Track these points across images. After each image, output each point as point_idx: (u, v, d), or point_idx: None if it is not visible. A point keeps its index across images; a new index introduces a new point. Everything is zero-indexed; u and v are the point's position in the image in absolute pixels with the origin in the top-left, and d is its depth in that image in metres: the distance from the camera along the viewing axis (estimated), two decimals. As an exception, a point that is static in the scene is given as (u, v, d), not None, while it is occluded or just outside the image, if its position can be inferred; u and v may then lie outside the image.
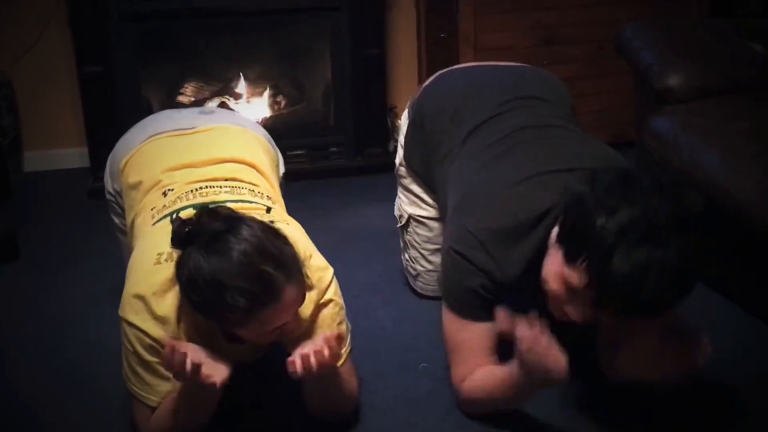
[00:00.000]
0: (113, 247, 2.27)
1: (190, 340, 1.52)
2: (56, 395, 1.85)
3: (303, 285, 1.50)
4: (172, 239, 1.48)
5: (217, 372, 1.43)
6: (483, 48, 3.14)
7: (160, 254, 1.55)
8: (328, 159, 3.25)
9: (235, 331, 1.50)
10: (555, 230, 1.52)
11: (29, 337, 2.11)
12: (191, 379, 1.42)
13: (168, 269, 1.51)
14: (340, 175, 3.19)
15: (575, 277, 1.44)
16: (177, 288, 1.50)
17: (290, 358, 1.46)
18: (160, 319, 1.51)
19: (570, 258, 1.45)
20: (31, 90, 3.21)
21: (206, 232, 1.43)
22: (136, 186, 1.79)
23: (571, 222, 1.46)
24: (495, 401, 1.63)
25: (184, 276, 1.45)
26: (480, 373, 1.64)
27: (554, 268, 1.50)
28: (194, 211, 1.54)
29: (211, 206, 1.52)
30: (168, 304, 1.52)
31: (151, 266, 1.55)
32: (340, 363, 1.63)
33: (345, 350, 1.65)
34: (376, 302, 2.21)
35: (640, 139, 2.43)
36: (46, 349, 2.04)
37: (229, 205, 1.64)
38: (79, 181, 3.09)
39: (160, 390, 1.55)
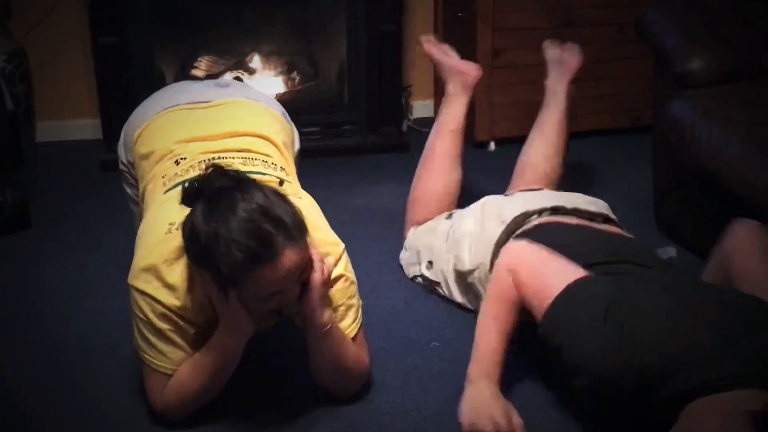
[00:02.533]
0: (124, 219, 2.26)
1: (201, 308, 1.52)
2: (66, 365, 1.85)
3: (305, 252, 1.48)
4: (182, 196, 1.48)
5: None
6: (501, 28, 3.11)
7: (171, 224, 1.55)
8: (342, 137, 3.23)
9: (234, 293, 1.48)
10: (741, 398, 1.35)
11: (39, 306, 2.11)
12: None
13: (179, 237, 1.50)
14: (353, 153, 3.17)
15: None
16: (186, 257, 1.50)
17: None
18: (170, 287, 1.51)
19: None
20: (45, 60, 3.20)
21: (213, 187, 1.44)
22: (147, 156, 1.78)
23: None
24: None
25: (187, 228, 1.45)
26: None
27: None
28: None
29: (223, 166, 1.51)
30: (178, 271, 1.51)
31: (163, 236, 1.54)
32: (350, 336, 1.63)
33: (356, 324, 1.64)
34: (388, 281, 2.20)
35: (658, 124, 2.40)
36: (56, 319, 2.04)
37: None
38: (92, 153, 3.08)
39: (173, 358, 1.55)
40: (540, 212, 1.93)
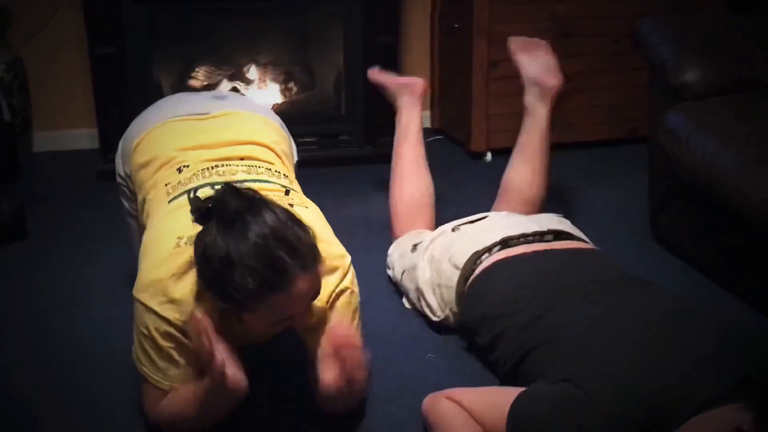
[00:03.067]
0: (122, 229, 2.26)
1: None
2: (62, 375, 1.85)
3: (318, 279, 1.47)
4: (192, 212, 1.46)
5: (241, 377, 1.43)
6: (497, 39, 3.11)
7: (180, 238, 1.53)
8: (338, 147, 3.24)
9: (243, 316, 1.48)
10: (726, 416, 1.32)
11: (36, 315, 2.10)
12: (216, 372, 1.41)
13: (188, 252, 1.49)
14: (350, 163, 3.17)
15: None
16: (194, 270, 1.48)
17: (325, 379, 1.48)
18: (176, 302, 1.50)
19: None
20: (42, 70, 3.20)
21: (228, 209, 1.42)
22: (147, 164, 1.78)
23: None
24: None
25: (199, 250, 1.44)
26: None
27: None
28: (212, 191, 1.53)
29: (235, 184, 1.49)
30: (185, 284, 1.50)
31: (170, 250, 1.52)
32: None
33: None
34: (385, 291, 2.21)
35: (654, 135, 2.41)
36: (52, 329, 2.04)
37: (246, 184, 1.62)
38: (89, 162, 3.08)
39: (171, 375, 1.55)
40: (489, 249, 1.90)
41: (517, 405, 1.49)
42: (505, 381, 1.71)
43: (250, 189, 1.49)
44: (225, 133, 1.82)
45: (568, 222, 2.07)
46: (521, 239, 1.92)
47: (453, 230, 2.07)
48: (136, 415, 1.67)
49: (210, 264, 1.42)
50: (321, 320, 1.57)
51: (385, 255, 2.35)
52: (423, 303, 2.01)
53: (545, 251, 1.87)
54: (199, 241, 1.44)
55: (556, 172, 3.15)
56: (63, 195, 2.89)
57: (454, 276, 1.91)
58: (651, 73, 2.45)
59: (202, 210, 1.45)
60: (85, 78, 3.10)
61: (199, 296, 1.50)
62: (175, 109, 1.90)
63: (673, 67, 2.31)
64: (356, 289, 1.63)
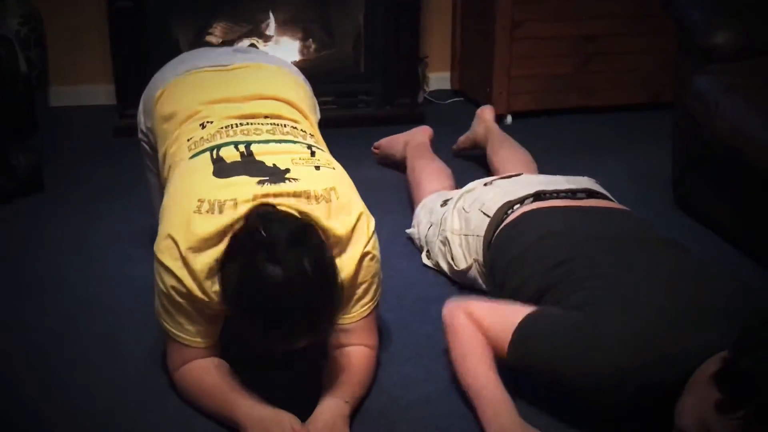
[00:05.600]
0: (137, 185, 2.25)
1: (219, 301, 1.49)
2: (77, 330, 1.85)
3: (329, 333, 1.48)
4: (233, 237, 1.44)
5: None
6: (521, 0, 3.05)
7: (201, 201, 1.50)
8: (357, 107, 3.20)
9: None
10: (709, 365, 1.32)
11: (51, 270, 2.10)
12: None
13: (207, 224, 1.46)
14: (368, 124, 3.14)
15: (724, 428, 1.24)
16: (212, 250, 1.46)
17: None
18: (192, 273, 1.47)
19: (726, 408, 1.24)
20: (60, 23, 3.17)
21: (265, 243, 1.38)
22: (170, 117, 1.74)
23: (747, 368, 1.24)
24: None
25: (226, 267, 1.42)
26: None
27: (699, 409, 1.30)
28: (237, 154, 1.55)
29: (280, 214, 1.45)
30: (202, 262, 1.47)
31: (191, 213, 1.49)
32: (365, 314, 1.60)
33: (373, 302, 1.62)
34: (400, 252, 2.19)
35: (680, 99, 2.35)
36: (67, 284, 2.04)
37: (271, 146, 1.60)
38: (105, 118, 3.06)
39: (190, 330, 1.54)
40: (522, 200, 1.89)
41: (524, 321, 1.53)
42: None
43: (293, 217, 1.45)
44: (249, 85, 1.78)
45: (600, 187, 2.04)
46: (554, 194, 1.91)
47: (485, 185, 2.06)
48: (149, 371, 1.67)
49: (228, 287, 1.41)
50: (348, 288, 1.54)
51: (401, 216, 2.33)
52: (448, 254, 2.00)
53: (577, 206, 1.86)
54: (229, 261, 1.42)
55: (577, 136, 3.12)
56: (79, 150, 2.88)
57: (483, 224, 1.90)
58: (679, 35, 2.39)
59: (239, 237, 1.43)
60: (103, 32, 3.07)
61: (211, 275, 1.48)
62: (197, 62, 1.87)
63: (703, 28, 2.25)
64: (377, 253, 1.61)
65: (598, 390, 1.43)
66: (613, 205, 1.93)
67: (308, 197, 1.51)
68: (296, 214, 1.48)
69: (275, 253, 1.36)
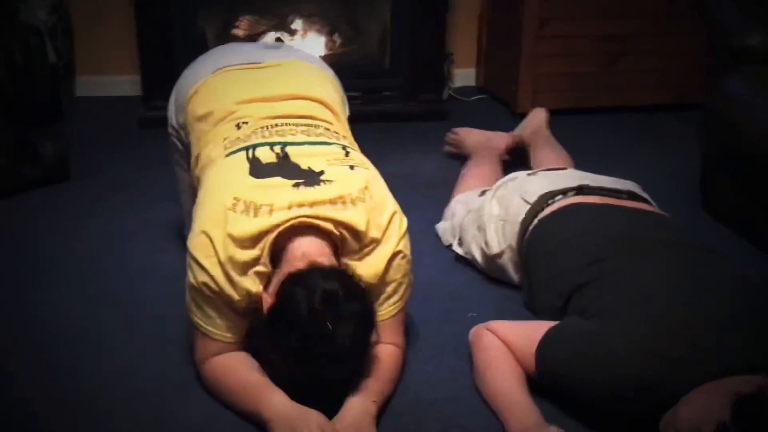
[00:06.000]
0: (162, 176, 2.26)
1: (249, 301, 1.51)
2: (101, 320, 1.86)
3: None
4: (284, 283, 1.45)
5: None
6: (550, -4, 3.04)
7: (236, 200, 1.51)
8: (381, 102, 3.19)
9: None
10: (741, 383, 1.32)
11: (75, 259, 2.11)
12: None
13: (242, 226, 1.47)
14: (392, 119, 3.13)
15: None
16: (245, 252, 1.47)
17: None
18: (225, 271, 1.48)
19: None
20: (87, 13, 3.18)
21: (311, 292, 1.41)
22: (205, 117, 1.75)
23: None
24: None
25: (280, 298, 1.44)
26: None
27: (702, 414, 1.31)
28: (273, 155, 1.57)
29: (319, 273, 1.45)
30: (235, 259, 1.48)
31: (226, 210, 1.50)
32: (393, 313, 1.61)
33: (401, 301, 1.62)
34: (425, 249, 2.17)
35: (710, 100, 2.33)
36: (91, 274, 2.05)
37: (306, 147, 1.61)
38: (131, 109, 3.07)
39: (220, 324, 1.54)
40: (564, 192, 1.89)
41: (545, 338, 1.56)
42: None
43: (334, 272, 1.46)
44: (282, 84, 1.78)
45: (644, 192, 2.03)
46: (597, 190, 1.91)
47: (529, 174, 2.06)
48: (174, 362, 1.68)
49: (278, 338, 1.43)
50: (376, 284, 1.55)
51: (428, 213, 2.33)
52: (481, 240, 1.99)
53: (618, 205, 1.85)
54: (284, 297, 1.43)
55: (602, 136, 3.10)
56: (104, 140, 2.89)
57: (522, 211, 1.90)
58: (710, 36, 2.37)
59: (289, 283, 1.44)
60: (130, 24, 3.08)
61: (244, 273, 1.49)
62: (228, 59, 1.87)
63: (735, 30, 2.22)
64: (409, 253, 1.62)
65: (623, 398, 1.44)
66: (654, 209, 1.92)
67: (344, 202, 1.52)
68: (334, 265, 1.49)
69: (325, 322, 1.39)
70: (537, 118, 2.66)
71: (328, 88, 1.85)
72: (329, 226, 1.50)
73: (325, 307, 1.38)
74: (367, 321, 1.45)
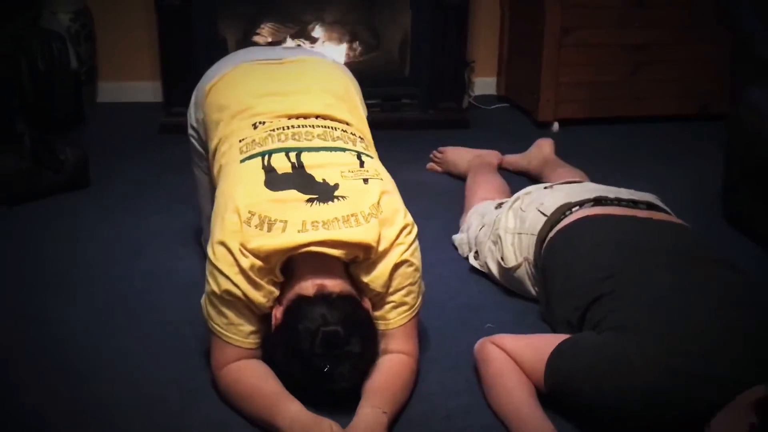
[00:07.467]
0: (182, 183, 2.27)
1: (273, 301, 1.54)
2: (119, 325, 1.86)
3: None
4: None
5: None
6: (571, 4, 3.02)
7: (251, 214, 1.51)
8: (400, 110, 3.18)
9: None
10: (754, 392, 1.33)
11: (95, 264, 2.12)
12: None
13: (257, 240, 1.48)
14: (412, 127, 3.12)
15: None
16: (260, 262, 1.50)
17: None
18: (248, 277, 1.50)
19: None
20: (110, 20, 3.21)
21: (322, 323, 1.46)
22: (221, 109, 1.75)
23: None
24: None
25: (286, 325, 1.49)
26: None
27: (733, 428, 1.32)
28: (289, 165, 1.58)
29: (334, 297, 1.49)
30: (254, 264, 1.50)
31: (240, 223, 1.51)
32: (403, 322, 1.60)
33: (411, 312, 1.61)
34: (442, 259, 2.16)
35: (734, 111, 2.30)
36: (110, 279, 2.05)
37: (322, 154, 1.61)
38: (151, 115, 3.09)
39: (243, 330, 1.55)
40: (582, 203, 1.86)
41: (558, 350, 1.52)
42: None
43: (342, 303, 1.49)
44: (300, 78, 1.79)
45: (662, 203, 2.00)
46: (615, 201, 1.88)
47: (545, 188, 2.04)
48: (189, 368, 1.68)
49: (286, 363, 1.50)
50: (380, 292, 1.56)
51: (444, 222, 2.32)
52: (498, 253, 1.97)
53: (636, 216, 1.83)
54: (289, 341, 1.48)
55: (623, 146, 3.07)
56: (125, 146, 2.91)
57: (538, 223, 1.88)
58: (735, 45, 2.34)
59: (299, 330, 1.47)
60: (152, 31, 3.10)
61: (264, 275, 1.52)
62: (250, 56, 1.89)
63: (761, 38, 2.19)
64: (418, 262, 1.61)
65: (633, 414, 1.42)
66: (673, 219, 1.89)
67: (356, 219, 1.52)
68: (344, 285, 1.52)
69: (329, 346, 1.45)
70: (543, 151, 2.60)
71: (348, 85, 1.86)
72: (340, 253, 1.51)
73: (324, 351, 1.43)
74: (367, 358, 1.52)
